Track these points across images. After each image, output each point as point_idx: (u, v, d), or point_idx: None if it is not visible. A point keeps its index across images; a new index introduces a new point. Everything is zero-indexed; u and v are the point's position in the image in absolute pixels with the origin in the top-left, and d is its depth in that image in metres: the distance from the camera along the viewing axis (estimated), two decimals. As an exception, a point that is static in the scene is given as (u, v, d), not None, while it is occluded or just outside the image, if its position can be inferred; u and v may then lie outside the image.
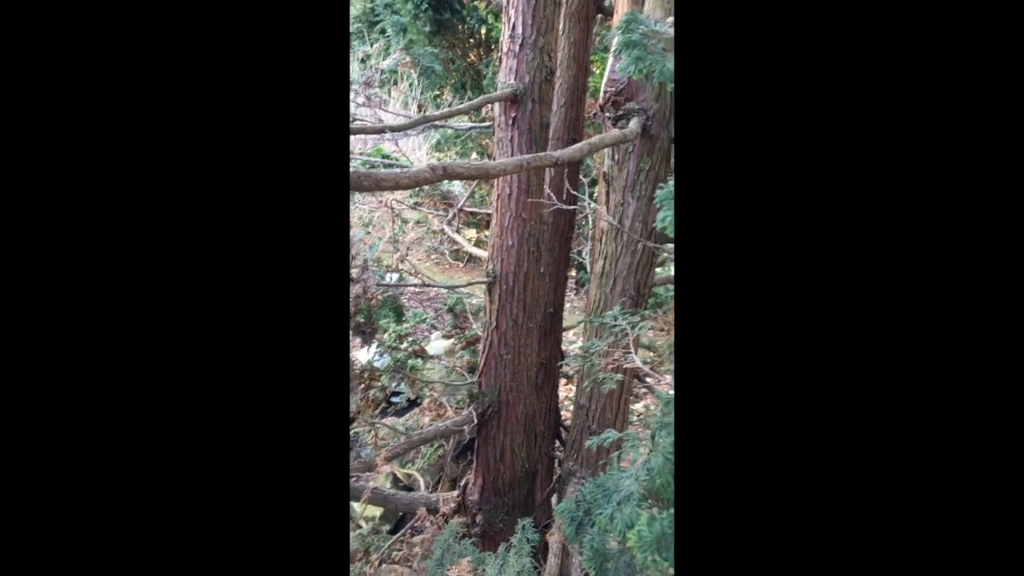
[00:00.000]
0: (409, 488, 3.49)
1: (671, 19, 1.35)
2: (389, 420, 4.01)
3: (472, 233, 5.99)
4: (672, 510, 0.83)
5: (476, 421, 2.26)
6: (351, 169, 0.89)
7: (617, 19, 2.48)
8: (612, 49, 2.10)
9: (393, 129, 1.62)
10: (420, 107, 6.28)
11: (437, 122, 2.10)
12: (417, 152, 5.37)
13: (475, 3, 5.55)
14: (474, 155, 4.88)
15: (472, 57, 7.21)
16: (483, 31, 6.69)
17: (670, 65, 0.93)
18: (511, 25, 2.01)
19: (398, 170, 0.98)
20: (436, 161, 1.10)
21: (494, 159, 2.17)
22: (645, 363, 4.55)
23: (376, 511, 3.43)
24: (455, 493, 2.45)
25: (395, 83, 6.15)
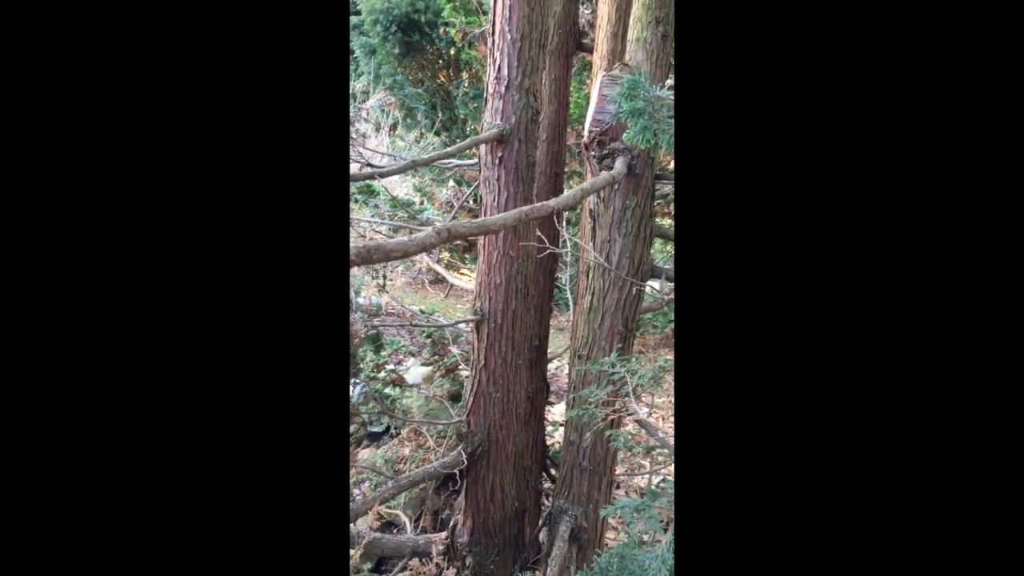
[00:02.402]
0: (391, 524, 3.40)
1: (670, 81, 1.38)
2: (367, 452, 3.91)
3: (444, 255, 5.95)
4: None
5: (465, 462, 2.22)
6: (355, 245, 0.88)
7: (597, 56, 2.53)
8: (595, 89, 2.13)
9: (383, 174, 1.60)
10: (394, 131, 6.26)
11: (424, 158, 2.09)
12: (401, 187, 5.38)
13: (450, 33, 5.59)
14: (451, 182, 4.88)
15: (442, 78, 7.22)
16: (452, 52, 6.72)
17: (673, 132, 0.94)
18: (496, 67, 2.03)
19: (404, 238, 0.97)
20: (439, 221, 1.08)
21: (481, 198, 2.16)
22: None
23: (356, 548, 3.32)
24: (444, 535, 2.39)
25: (378, 126, 6.15)
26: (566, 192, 1.52)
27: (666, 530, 0.92)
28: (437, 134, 6.84)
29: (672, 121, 0.99)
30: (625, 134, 1.05)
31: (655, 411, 4.83)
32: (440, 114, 6.99)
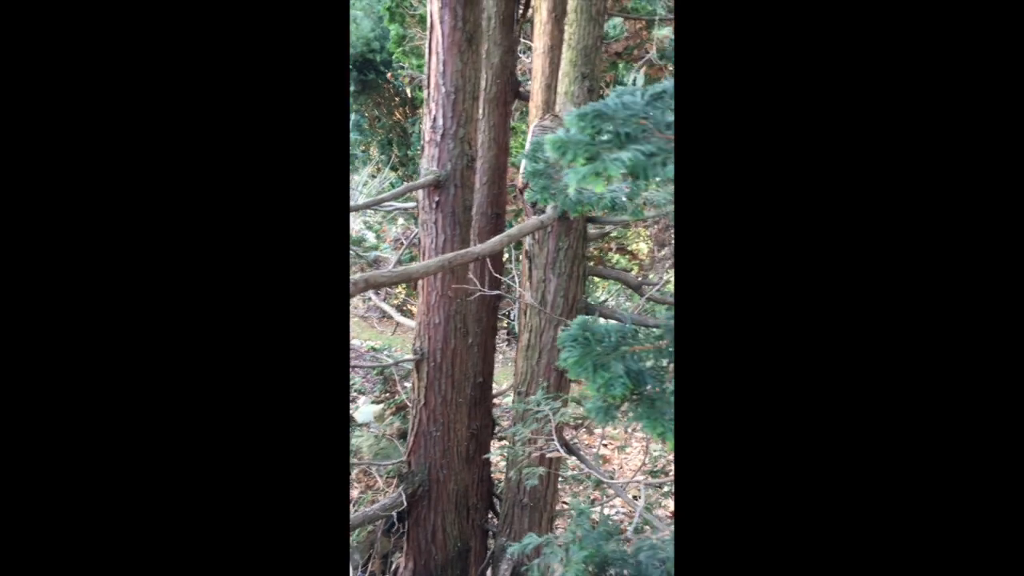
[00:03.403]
0: (337, 571, 3.29)
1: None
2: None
3: (399, 290, 5.95)
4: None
5: (405, 503, 2.21)
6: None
7: (533, 105, 2.66)
8: (530, 137, 2.25)
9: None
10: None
11: (365, 202, 2.13)
12: (353, 223, 5.38)
13: (398, 76, 5.73)
14: (400, 220, 4.93)
15: (398, 115, 7.35)
16: (408, 91, 6.87)
17: (572, 195, 1.03)
18: (432, 117, 2.11)
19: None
20: (359, 275, 1.13)
21: (420, 240, 2.22)
22: (577, 419, 4.65)
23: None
24: (386, 579, 2.35)
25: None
26: (493, 239, 1.60)
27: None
28: (394, 169, 6.92)
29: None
30: (526, 194, 1.13)
31: (611, 442, 4.90)
32: (396, 150, 7.08)
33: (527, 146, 2.18)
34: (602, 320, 0.81)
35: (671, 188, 1.19)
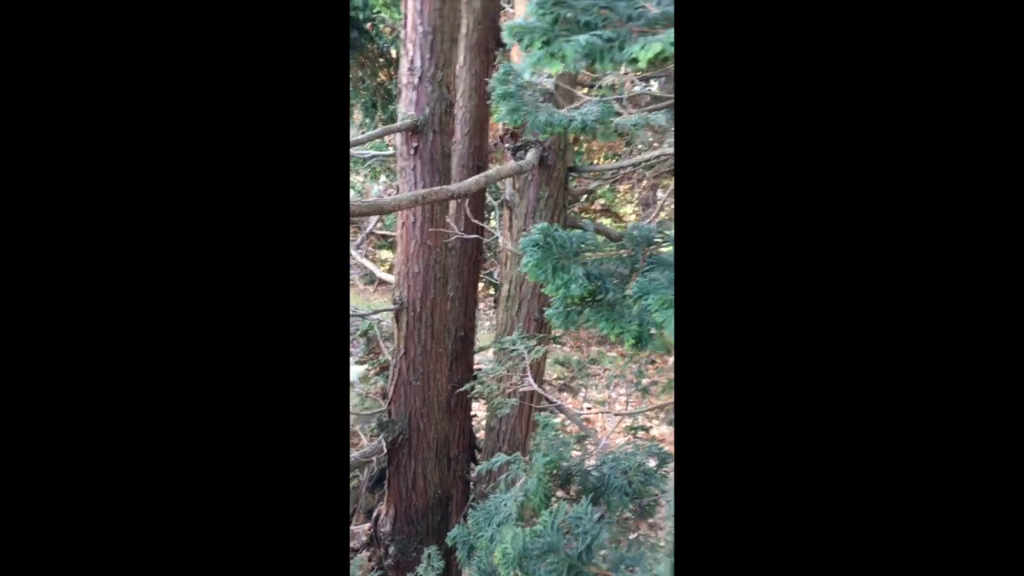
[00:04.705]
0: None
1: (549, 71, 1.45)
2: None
3: (387, 254, 5.90)
4: (534, 527, 0.86)
5: (386, 450, 2.23)
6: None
7: (515, 53, 2.60)
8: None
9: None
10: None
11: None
12: None
13: (381, 30, 5.55)
14: (383, 177, 4.85)
15: (382, 76, 7.16)
16: (393, 51, 6.68)
17: (543, 116, 1.00)
18: (410, 59, 2.06)
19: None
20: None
21: (397, 188, 2.19)
22: (560, 379, 4.70)
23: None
24: (367, 526, 2.39)
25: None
26: (469, 179, 1.57)
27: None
28: (378, 132, 6.78)
29: (544, 105, 1.06)
30: (495, 116, 1.11)
31: (594, 406, 4.97)
32: (381, 112, 6.92)
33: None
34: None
35: (646, 115, 1.16)
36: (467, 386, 1.99)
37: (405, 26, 2.07)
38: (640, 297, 0.68)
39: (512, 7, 3.12)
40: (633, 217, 4.65)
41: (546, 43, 0.60)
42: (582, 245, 0.79)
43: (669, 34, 0.59)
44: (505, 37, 0.63)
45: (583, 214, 4.34)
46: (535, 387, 1.42)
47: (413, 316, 2.24)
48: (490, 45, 2.70)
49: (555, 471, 0.88)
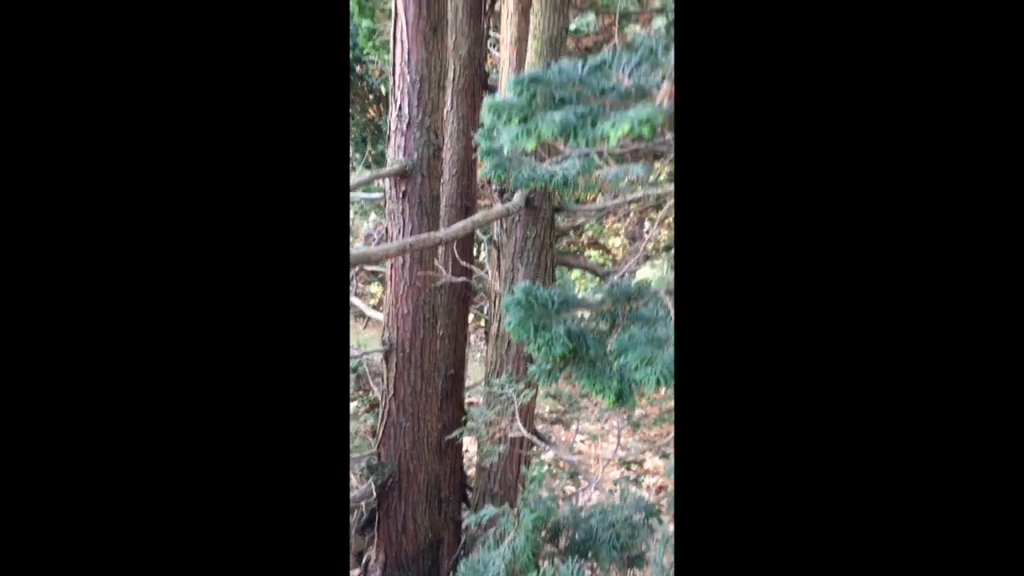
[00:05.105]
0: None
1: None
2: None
3: (376, 288, 5.89)
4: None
5: (375, 494, 2.20)
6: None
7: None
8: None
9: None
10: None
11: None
12: None
13: (371, 72, 5.69)
14: (372, 215, 4.90)
15: (372, 113, 7.30)
16: (383, 88, 6.83)
17: (525, 172, 1.04)
18: (398, 106, 2.11)
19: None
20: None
21: (387, 230, 2.22)
22: (552, 412, 4.67)
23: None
24: (356, 572, 2.33)
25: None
26: (456, 224, 1.60)
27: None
28: (368, 167, 6.86)
29: (527, 160, 1.09)
30: (480, 171, 1.14)
31: (586, 438, 4.93)
32: (370, 148, 7.03)
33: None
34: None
35: (624, 167, 1.21)
36: (456, 433, 1.97)
37: (393, 73, 2.14)
38: (619, 355, 0.70)
39: (498, 51, 3.23)
40: (621, 250, 4.71)
41: (523, 120, 0.63)
42: (564, 302, 0.82)
43: (640, 109, 0.62)
44: (484, 114, 0.66)
45: (571, 247, 4.39)
46: (524, 432, 1.42)
47: (402, 357, 2.24)
48: (476, 89, 2.78)
49: (543, 525, 0.88)
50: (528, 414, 1.86)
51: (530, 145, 0.62)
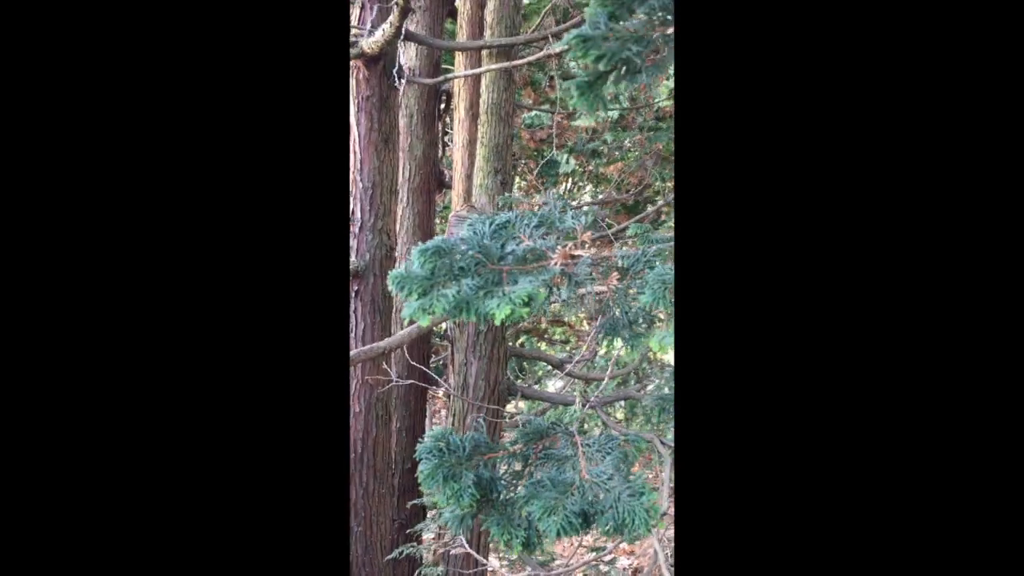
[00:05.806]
0: None
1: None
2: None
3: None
4: None
5: (324, 609, 2.08)
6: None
7: (455, 194, 2.81)
8: (448, 226, 2.36)
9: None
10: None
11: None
12: None
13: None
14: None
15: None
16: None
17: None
18: (351, 210, 2.20)
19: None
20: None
21: (339, 329, 2.24)
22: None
23: None
24: None
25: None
26: (400, 332, 1.65)
27: None
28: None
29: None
30: (403, 312, 1.20)
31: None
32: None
33: (447, 235, 2.29)
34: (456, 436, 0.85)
35: (577, 296, 1.28)
36: (396, 552, 1.92)
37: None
38: (526, 502, 0.72)
39: (451, 141, 3.42)
40: (585, 324, 4.78)
41: (422, 294, 0.69)
42: (475, 448, 0.85)
43: (521, 288, 0.69)
44: (391, 285, 0.72)
45: (531, 325, 4.46)
46: (468, 549, 1.40)
47: (354, 458, 2.20)
48: (431, 187, 2.92)
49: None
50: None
51: (424, 322, 0.68)
